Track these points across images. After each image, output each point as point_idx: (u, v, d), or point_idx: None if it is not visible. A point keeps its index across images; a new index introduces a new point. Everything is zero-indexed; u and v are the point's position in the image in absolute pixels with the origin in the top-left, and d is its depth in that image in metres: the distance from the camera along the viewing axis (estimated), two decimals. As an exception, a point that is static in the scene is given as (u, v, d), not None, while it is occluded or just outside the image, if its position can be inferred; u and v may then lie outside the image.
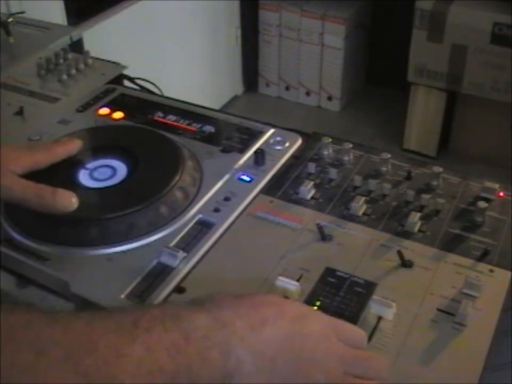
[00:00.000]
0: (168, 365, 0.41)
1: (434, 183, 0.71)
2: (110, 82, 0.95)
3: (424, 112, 2.10)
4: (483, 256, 0.62)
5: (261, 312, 0.47)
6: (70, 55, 1.00)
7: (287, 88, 2.48)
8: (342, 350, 0.48)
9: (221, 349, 0.43)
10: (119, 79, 0.98)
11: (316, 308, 0.57)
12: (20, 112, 0.86)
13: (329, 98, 2.41)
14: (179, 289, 0.59)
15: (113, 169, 0.71)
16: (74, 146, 0.71)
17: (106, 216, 0.65)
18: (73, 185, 0.68)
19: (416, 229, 0.65)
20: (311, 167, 0.74)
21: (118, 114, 0.86)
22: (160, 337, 0.41)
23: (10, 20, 1.06)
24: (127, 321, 0.42)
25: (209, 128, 0.82)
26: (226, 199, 0.70)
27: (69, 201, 0.63)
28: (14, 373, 0.37)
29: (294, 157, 0.77)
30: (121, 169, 0.71)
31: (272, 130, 0.81)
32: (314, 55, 2.34)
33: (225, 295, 0.48)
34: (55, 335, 0.40)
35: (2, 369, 0.37)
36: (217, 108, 1.63)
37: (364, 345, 0.51)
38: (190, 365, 0.41)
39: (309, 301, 0.57)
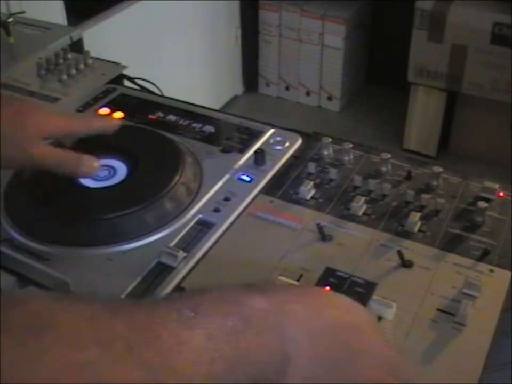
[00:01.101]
0: (228, 351, 0.40)
1: (434, 183, 0.71)
2: (110, 82, 0.95)
3: (424, 112, 2.10)
4: (483, 256, 0.62)
5: (315, 300, 0.47)
6: (70, 55, 1.00)
7: (287, 88, 2.48)
8: (388, 351, 0.47)
9: (278, 331, 0.42)
10: (119, 79, 0.98)
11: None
12: (20, 112, 0.86)
13: (329, 98, 2.41)
14: (179, 289, 0.59)
15: (113, 169, 0.71)
16: (112, 123, 0.72)
17: (106, 216, 0.65)
18: (73, 185, 0.68)
19: (416, 229, 0.65)
20: (311, 167, 0.74)
21: (118, 114, 0.86)
22: (220, 322, 0.41)
23: (10, 20, 1.06)
24: (187, 309, 0.41)
25: (209, 128, 0.82)
26: (226, 199, 0.70)
27: (93, 166, 0.66)
28: (75, 370, 0.36)
29: (294, 157, 0.77)
30: (121, 169, 0.71)
31: (272, 130, 0.81)
32: (314, 55, 2.34)
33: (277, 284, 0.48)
34: (117, 328, 0.39)
35: (66, 370, 0.37)
36: (217, 108, 1.63)
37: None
38: (249, 349, 0.41)
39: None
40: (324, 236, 0.64)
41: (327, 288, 0.58)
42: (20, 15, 1.13)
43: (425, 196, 0.68)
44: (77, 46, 1.09)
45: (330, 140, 0.77)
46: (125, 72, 0.99)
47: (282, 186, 0.72)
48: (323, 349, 0.44)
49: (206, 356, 0.39)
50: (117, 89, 0.92)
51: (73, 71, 0.96)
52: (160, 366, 0.38)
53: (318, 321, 0.45)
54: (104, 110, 0.87)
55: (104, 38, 1.63)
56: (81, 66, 0.97)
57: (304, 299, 0.46)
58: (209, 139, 0.80)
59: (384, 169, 0.74)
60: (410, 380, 0.48)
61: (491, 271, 0.61)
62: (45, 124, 0.66)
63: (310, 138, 0.80)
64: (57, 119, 0.67)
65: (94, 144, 0.73)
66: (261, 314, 0.43)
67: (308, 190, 0.70)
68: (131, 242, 0.64)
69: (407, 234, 0.65)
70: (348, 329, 0.46)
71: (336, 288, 0.59)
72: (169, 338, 0.39)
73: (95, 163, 0.66)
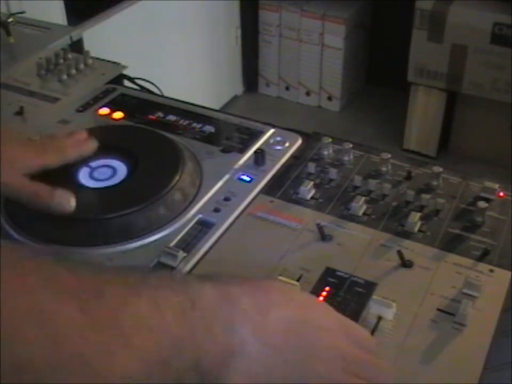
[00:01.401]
0: (173, 326, 0.40)
1: (434, 183, 0.71)
2: (110, 82, 0.95)
3: (424, 112, 2.10)
4: (483, 256, 0.62)
5: (268, 295, 0.46)
6: (70, 55, 1.00)
7: (287, 88, 2.48)
8: (346, 346, 0.47)
9: (224, 324, 0.42)
10: (119, 79, 0.98)
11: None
12: (20, 112, 0.86)
13: (329, 98, 2.41)
14: (179, 289, 0.59)
15: (113, 169, 0.71)
16: (88, 148, 0.70)
17: (106, 216, 0.65)
18: (73, 185, 0.68)
19: (416, 229, 0.65)
20: (311, 167, 0.74)
21: (118, 114, 0.86)
22: (167, 297, 0.41)
23: (10, 20, 1.06)
24: (134, 277, 0.41)
25: (209, 128, 0.82)
26: (226, 199, 0.70)
27: (67, 202, 0.63)
28: (16, 299, 0.37)
29: (294, 157, 0.77)
30: (121, 169, 0.71)
31: (272, 130, 0.81)
32: (314, 55, 2.34)
33: (233, 275, 0.48)
34: (61, 272, 0.39)
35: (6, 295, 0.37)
36: (217, 108, 1.63)
37: (371, 348, 0.50)
38: (194, 332, 0.40)
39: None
40: (323, 236, 0.64)
41: (323, 294, 0.59)
42: (20, 15, 1.13)
43: (425, 196, 0.68)
44: (77, 46, 1.09)
45: (330, 139, 0.77)
46: (125, 72, 0.99)
47: (282, 186, 0.72)
48: (270, 346, 0.43)
49: (149, 324, 0.39)
50: (117, 89, 0.92)
51: (73, 71, 0.96)
52: (102, 319, 0.38)
53: (268, 318, 0.44)
54: (104, 110, 0.87)
55: (104, 38, 1.63)
56: (81, 66, 0.97)
57: (255, 294, 0.45)
58: (209, 139, 0.80)
59: (384, 169, 0.74)
60: (384, 379, 0.48)
61: (491, 271, 0.61)
62: (20, 162, 0.64)
63: (310, 138, 0.80)
64: (33, 157, 0.65)
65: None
66: (208, 302, 0.42)
67: (308, 190, 0.70)
68: (131, 242, 0.64)
69: (407, 234, 0.65)
70: (301, 325, 0.45)
71: (336, 288, 0.59)
72: (115, 297, 0.39)
73: (70, 199, 0.63)
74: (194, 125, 0.83)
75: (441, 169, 0.72)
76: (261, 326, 0.44)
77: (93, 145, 0.70)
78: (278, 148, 0.78)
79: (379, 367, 0.48)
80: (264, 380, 0.43)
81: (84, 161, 0.71)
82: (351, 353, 0.47)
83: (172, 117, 0.85)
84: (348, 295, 0.58)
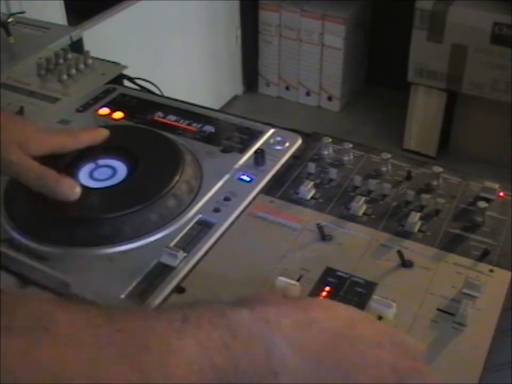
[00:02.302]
0: (218, 361, 0.40)
1: (434, 183, 0.71)
2: (110, 82, 0.95)
3: (424, 112, 2.10)
4: (483, 256, 0.62)
5: (308, 312, 0.45)
6: (70, 55, 1.00)
7: (287, 88, 2.48)
8: (395, 359, 0.45)
9: (264, 345, 0.42)
10: (119, 79, 0.98)
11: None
12: (20, 112, 0.86)
13: (329, 98, 2.41)
14: (179, 289, 0.59)
15: (113, 169, 0.71)
16: (99, 134, 0.71)
17: (106, 216, 0.65)
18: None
19: (416, 229, 0.65)
20: (311, 167, 0.74)
21: (118, 114, 0.86)
22: (209, 333, 0.41)
23: (10, 20, 1.06)
24: (176, 319, 0.42)
25: (209, 128, 0.82)
26: (226, 199, 0.70)
27: (72, 190, 0.64)
28: (73, 369, 0.38)
29: (294, 157, 0.77)
30: (121, 169, 0.71)
31: (272, 130, 0.81)
32: (314, 55, 2.34)
33: (272, 295, 0.48)
34: (111, 334, 0.40)
35: (64, 367, 0.38)
36: (217, 108, 1.63)
37: (420, 354, 0.48)
38: (237, 361, 0.41)
39: (309, 301, 0.57)
40: (324, 236, 0.64)
41: (323, 294, 0.58)
42: (20, 15, 1.13)
43: (425, 196, 0.68)
44: (77, 46, 1.09)
45: (330, 139, 0.77)
46: (125, 72, 0.99)
47: (282, 186, 0.72)
48: (313, 363, 0.43)
49: (196, 365, 0.40)
50: (117, 89, 0.92)
51: (73, 71, 0.96)
52: (153, 372, 0.39)
53: (308, 337, 0.44)
54: (104, 110, 0.87)
55: (104, 38, 1.63)
56: (81, 66, 0.97)
57: (293, 313, 0.45)
58: (209, 139, 0.80)
59: (384, 169, 0.74)
60: None
61: (491, 271, 0.61)
62: (34, 144, 0.65)
63: (310, 138, 0.80)
64: (46, 139, 0.67)
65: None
66: (249, 330, 0.43)
67: (307, 190, 0.70)
68: (131, 242, 0.64)
69: (407, 234, 0.65)
70: (345, 340, 0.45)
71: (336, 288, 0.59)
72: (160, 346, 0.40)
73: (75, 188, 0.64)
74: (194, 125, 0.83)
75: (441, 169, 0.72)
76: (301, 343, 0.43)
77: (104, 132, 0.71)
78: (278, 148, 0.78)
79: (425, 374, 0.46)
80: None
81: (89, 157, 0.71)
82: (401, 366, 0.45)
83: (171, 117, 0.85)
84: (348, 295, 0.58)
